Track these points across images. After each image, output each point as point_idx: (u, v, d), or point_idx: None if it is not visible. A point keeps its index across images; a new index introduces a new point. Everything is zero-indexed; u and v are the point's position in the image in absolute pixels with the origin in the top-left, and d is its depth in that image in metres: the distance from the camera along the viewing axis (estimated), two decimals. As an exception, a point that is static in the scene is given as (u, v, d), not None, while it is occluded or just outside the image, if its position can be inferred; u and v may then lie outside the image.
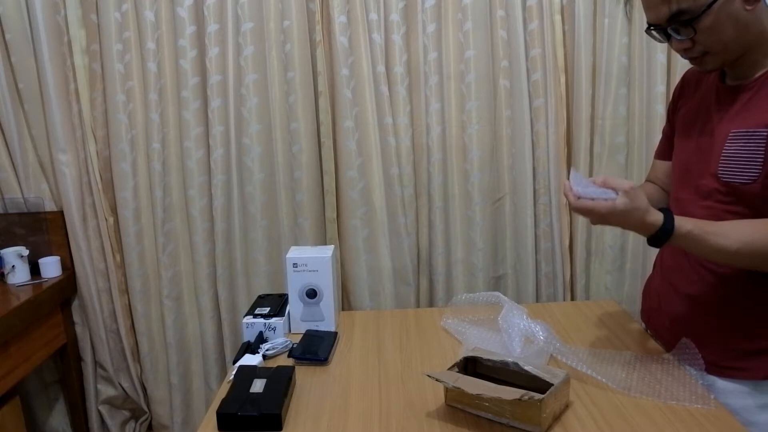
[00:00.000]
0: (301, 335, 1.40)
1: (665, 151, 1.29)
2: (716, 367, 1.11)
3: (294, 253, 1.46)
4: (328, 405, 1.12)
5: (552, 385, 1.01)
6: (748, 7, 0.98)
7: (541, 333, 1.23)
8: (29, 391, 2.05)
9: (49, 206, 1.92)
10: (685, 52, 1.06)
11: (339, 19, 1.76)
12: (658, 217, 0.99)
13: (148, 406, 2.07)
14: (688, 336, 1.15)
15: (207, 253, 1.93)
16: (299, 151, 1.85)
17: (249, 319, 1.41)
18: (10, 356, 1.69)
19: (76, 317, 2.01)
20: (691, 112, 1.16)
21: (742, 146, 1.02)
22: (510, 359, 1.11)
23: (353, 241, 1.90)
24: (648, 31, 1.06)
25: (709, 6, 0.97)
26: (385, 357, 1.32)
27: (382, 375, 1.23)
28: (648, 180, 1.38)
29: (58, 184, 1.88)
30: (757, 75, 1.03)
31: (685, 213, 1.06)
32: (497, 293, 1.42)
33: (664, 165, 1.29)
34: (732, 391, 1.08)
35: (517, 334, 1.25)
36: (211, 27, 1.77)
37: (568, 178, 1.04)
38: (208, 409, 1.12)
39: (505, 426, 1.01)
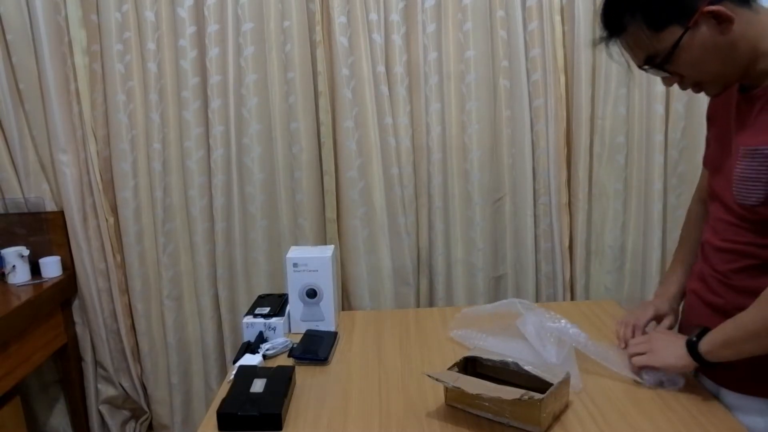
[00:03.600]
0: (301, 335, 1.40)
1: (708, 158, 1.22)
2: (733, 382, 1.07)
3: (294, 253, 1.46)
4: (328, 405, 1.12)
5: (552, 384, 1.01)
6: (724, 32, 0.93)
7: (580, 336, 1.20)
8: (29, 391, 2.05)
9: (50, 206, 1.92)
10: (679, 86, 1.03)
11: (339, 19, 1.76)
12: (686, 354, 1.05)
13: (148, 406, 2.07)
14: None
15: (207, 253, 1.93)
16: (299, 151, 1.85)
17: (249, 319, 1.41)
18: (10, 356, 1.69)
19: (77, 317, 2.01)
20: (720, 122, 1.11)
21: (750, 164, 0.96)
22: (510, 359, 1.11)
23: (353, 241, 1.90)
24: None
25: (675, 46, 0.94)
26: (385, 357, 1.32)
27: (382, 375, 1.23)
28: (698, 190, 1.30)
29: (58, 184, 1.88)
30: (765, 83, 0.97)
31: (716, 230, 1.06)
32: (514, 300, 1.35)
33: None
34: (746, 408, 1.04)
35: (551, 341, 1.20)
36: (212, 27, 1.77)
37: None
38: (208, 409, 1.12)
39: (505, 426, 1.01)
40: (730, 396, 1.07)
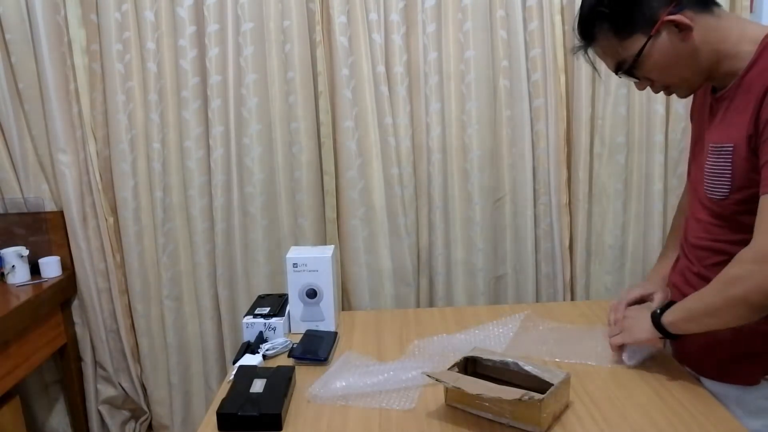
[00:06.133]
0: (301, 335, 1.40)
1: None
2: (707, 370, 1.12)
3: (294, 253, 1.46)
4: (328, 405, 1.12)
5: (552, 385, 1.01)
6: (685, 39, 0.99)
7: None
8: (29, 391, 2.05)
9: (49, 206, 1.92)
10: (651, 90, 1.09)
11: (339, 19, 1.76)
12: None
13: (148, 406, 2.07)
14: (686, 336, 1.14)
15: (207, 253, 1.93)
16: (299, 151, 1.84)
17: (249, 319, 1.41)
18: (10, 356, 1.69)
19: (76, 317, 2.01)
20: (697, 123, 1.17)
21: (715, 161, 1.02)
22: (510, 359, 1.11)
23: (353, 241, 1.90)
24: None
25: (639, 54, 1.01)
26: (385, 357, 1.31)
27: (382, 375, 1.23)
28: (686, 188, 1.36)
29: (58, 184, 1.88)
30: (730, 84, 1.02)
31: (692, 228, 1.12)
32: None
33: None
34: (721, 394, 1.08)
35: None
36: (211, 27, 1.77)
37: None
38: (208, 409, 1.12)
39: (505, 426, 1.01)
40: (708, 384, 1.11)
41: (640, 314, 1.17)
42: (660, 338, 1.11)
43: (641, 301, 1.27)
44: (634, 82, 1.09)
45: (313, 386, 1.17)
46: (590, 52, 1.13)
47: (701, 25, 0.99)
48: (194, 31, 1.79)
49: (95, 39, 1.81)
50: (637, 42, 1.01)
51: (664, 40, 0.99)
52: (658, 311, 1.10)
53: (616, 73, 1.08)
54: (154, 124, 1.84)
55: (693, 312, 1.05)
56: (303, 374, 1.23)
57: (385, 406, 1.10)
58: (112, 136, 1.85)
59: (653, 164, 1.82)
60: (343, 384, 1.17)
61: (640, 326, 1.14)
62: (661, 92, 1.74)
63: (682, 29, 0.98)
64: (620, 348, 1.20)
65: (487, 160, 1.86)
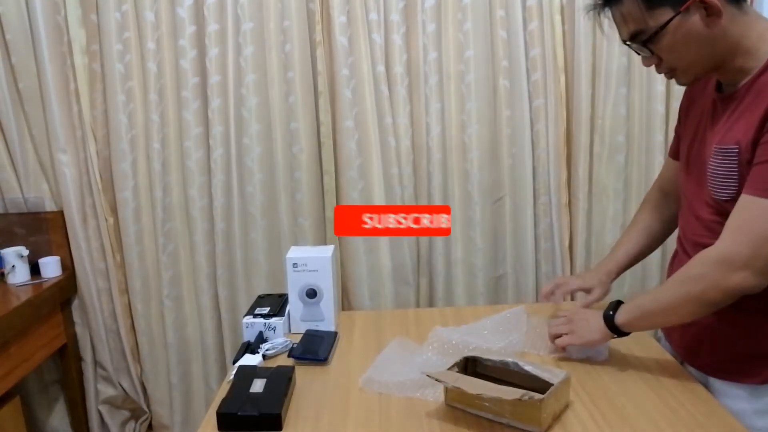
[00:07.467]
0: (301, 335, 1.40)
1: (676, 150, 1.27)
2: (716, 369, 1.11)
3: (294, 253, 1.46)
4: (328, 405, 1.12)
5: (552, 385, 1.01)
6: (710, 24, 0.97)
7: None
8: (29, 391, 2.05)
9: (49, 206, 1.92)
10: (655, 68, 1.06)
11: (339, 19, 1.76)
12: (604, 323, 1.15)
13: (148, 406, 2.07)
14: (693, 336, 1.14)
15: (207, 253, 1.93)
16: (299, 151, 1.85)
17: (249, 319, 1.41)
18: (10, 356, 1.69)
19: (76, 317, 2.01)
20: (695, 119, 1.15)
21: (720, 162, 1.01)
22: (510, 359, 1.11)
23: (353, 241, 1.90)
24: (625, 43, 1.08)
25: (663, 27, 0.98)
26: (385, 357, 1.31)
27: (382, 375, 1.23)
28: (659, 178, 1.38)
29: (58, 184, 1.88)
30: (742, 84, 1.00)
31: (695, 226, 1.10)
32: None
33: (676, 165, 1.27)
34: (729, 393, 1.08)
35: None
36: (211, 27, 1.77)
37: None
38: (208, 409, 1.12)
39: (505, 426, 1.01)
40: (716, 383, 1.11)
41: (589, 316, 1.19)
42: (611, 337, 1.15)
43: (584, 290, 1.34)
44: (643, 56, 1.06)
45: (366, 373, 1.20)
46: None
47: (728, 15, 0.97)
48: (194, 31, 1.79)
49: (95, 39, 1.81)
50: (663, 15, 0.97)
51: (691, 20, 0.97)
52: (611, 312, 1.13)
53: (625, 42, 1.04)
54: (154, 124, 1.84)
55: (647, 311, 1.09)
56: (303, 374, 1.23)
57: (420, 396, 1.12)
58: (112, 136, 1.85)
59: (653, 164, 1.82)
60: (394, 372, 1.19)
61: (591, 328, 1.17)
62: (662, 91, 1.73)
63: (711, 14, 0.96)
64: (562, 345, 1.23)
65: (487, 159, 1.86)
